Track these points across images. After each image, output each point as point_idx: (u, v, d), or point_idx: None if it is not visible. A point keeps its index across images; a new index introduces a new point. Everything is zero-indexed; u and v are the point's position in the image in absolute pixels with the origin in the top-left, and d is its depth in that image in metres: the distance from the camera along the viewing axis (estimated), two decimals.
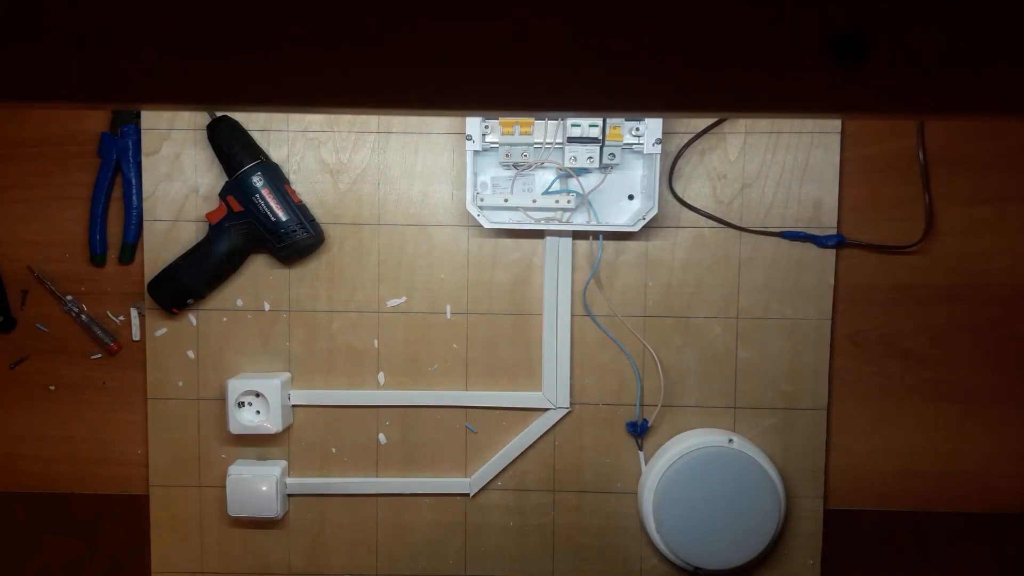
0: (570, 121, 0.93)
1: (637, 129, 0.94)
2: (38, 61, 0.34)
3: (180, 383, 1.02)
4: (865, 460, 1.02)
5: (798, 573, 1.02)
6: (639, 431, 1.01)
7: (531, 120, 0.94)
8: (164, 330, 1.02)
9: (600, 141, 0.94)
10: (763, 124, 0.99)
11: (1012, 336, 1.00)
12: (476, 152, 0.95)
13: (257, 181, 0.96)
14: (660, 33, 0.33)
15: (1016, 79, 0.33)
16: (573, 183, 0.97)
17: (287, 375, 1.02)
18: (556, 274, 1.00)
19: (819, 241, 0.98)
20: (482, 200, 0.96)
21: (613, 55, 0.34)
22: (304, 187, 1.00)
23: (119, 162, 1.00)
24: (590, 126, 0.94)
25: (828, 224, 0.99)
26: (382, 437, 1.03)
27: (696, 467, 0.96)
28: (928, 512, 1.02)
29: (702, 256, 1.00)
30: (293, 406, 1.02)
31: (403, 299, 1.01)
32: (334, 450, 1.03)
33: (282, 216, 0.96)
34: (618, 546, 1.03)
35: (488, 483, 1.03)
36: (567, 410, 1.01)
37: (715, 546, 0.96)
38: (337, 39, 0.34)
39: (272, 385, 0.98)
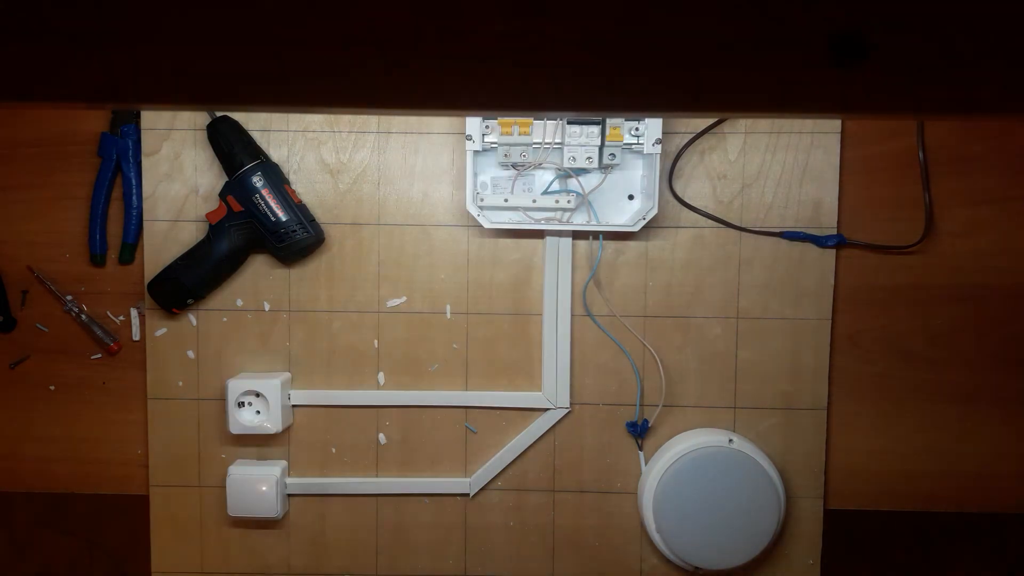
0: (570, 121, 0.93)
1: (637, 129, 0.94)
2: (38, 61, 0.34)
3: (180, 383, 1.02)
4: (865, 460, 1.02)
5: (798, 573, 1.02)
6: (639, 431, 1.01)
7: (530, 120, 0.94)
8: (164, 330, 1.02)
9: (600, 141, 0.94)
10: (763, 124, 0.99)
11: (1012, 336, 1.00)
12: (476, 152, 0.95)
13: (257, 181, 0.96)
14: (661, 33, 0.33)
15: (1016, 79, 0.33)
16: (573, 183, 0.97)
17: (287, 375, 1.02)
18: (556, 274, 1.00)
19: (819, 241, 0.98)
20: (482, 200, 0.96)
21: (614, 55, 0.34)
22: (304, 187, 1.00)
23: (119, 162, 1.00)
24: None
25: (828, 224, 0.99)
26: (382, 437, 1.03)
27: (696, 467, 0.96)
28: (928, 512, 1.02)
29: (702, 256, 1.00)
30: (293, 406, 1.02)
31: (403, 299, 1.01)
32: (334, 450, 1.03)
33: (282, 216, 0.96)
34: (618, 546, 1.03)
35: (488, 483, 1.03)
36: (567, 410, 1.01)
37: (715, 546, 0.96)
38: (337, 39, 0.34)
39: (272, 385, 0.98)
